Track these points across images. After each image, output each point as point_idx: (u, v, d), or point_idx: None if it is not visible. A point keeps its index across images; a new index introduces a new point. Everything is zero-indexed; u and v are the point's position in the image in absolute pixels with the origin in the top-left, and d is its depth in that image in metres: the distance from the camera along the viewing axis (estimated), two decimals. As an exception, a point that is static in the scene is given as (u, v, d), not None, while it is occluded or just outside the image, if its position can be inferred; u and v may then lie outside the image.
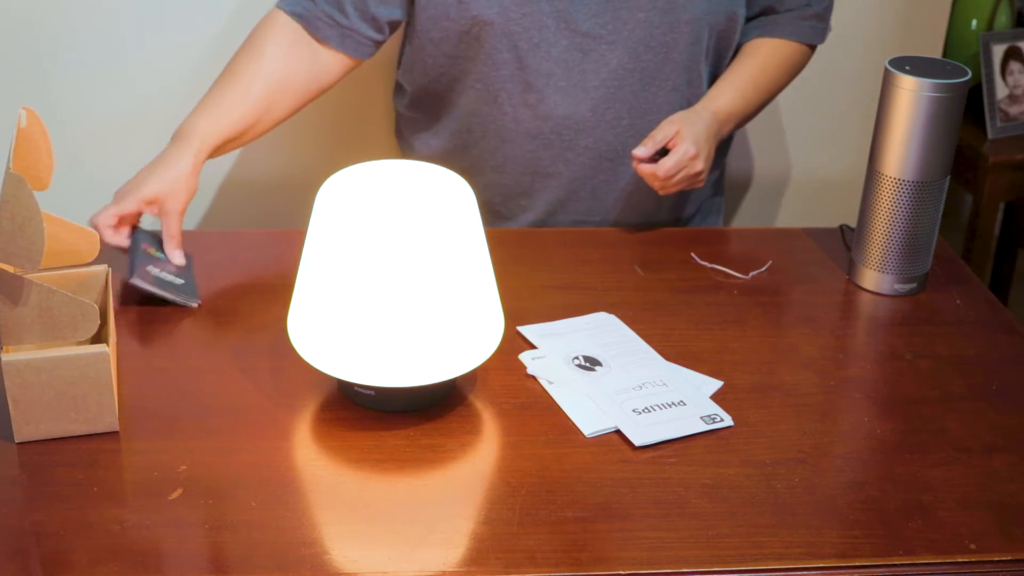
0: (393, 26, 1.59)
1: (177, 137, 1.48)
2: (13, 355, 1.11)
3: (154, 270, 1.39)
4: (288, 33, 1.54)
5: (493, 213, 1.68)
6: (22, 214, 1.06)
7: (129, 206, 1.41)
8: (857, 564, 1.04)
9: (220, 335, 1.32)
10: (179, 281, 1.40)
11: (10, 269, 1.11)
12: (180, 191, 1.43)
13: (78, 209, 1.41)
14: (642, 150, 1.48)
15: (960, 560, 1.05)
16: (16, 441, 1.14)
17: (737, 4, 1.59)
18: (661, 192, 1.51)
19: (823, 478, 1.14)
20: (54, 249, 1.15)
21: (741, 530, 1.07)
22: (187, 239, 1.55)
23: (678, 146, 1.48)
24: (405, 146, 1.78)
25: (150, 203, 1.42)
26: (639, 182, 1.61)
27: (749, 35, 1.65)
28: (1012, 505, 1.12)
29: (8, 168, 1.08)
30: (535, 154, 1.61)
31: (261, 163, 2.01)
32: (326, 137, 2.02)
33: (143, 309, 1.36)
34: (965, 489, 1.13)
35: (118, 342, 1.29)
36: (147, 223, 1.47)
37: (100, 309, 1.18)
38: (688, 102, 1.60)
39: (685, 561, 1.04)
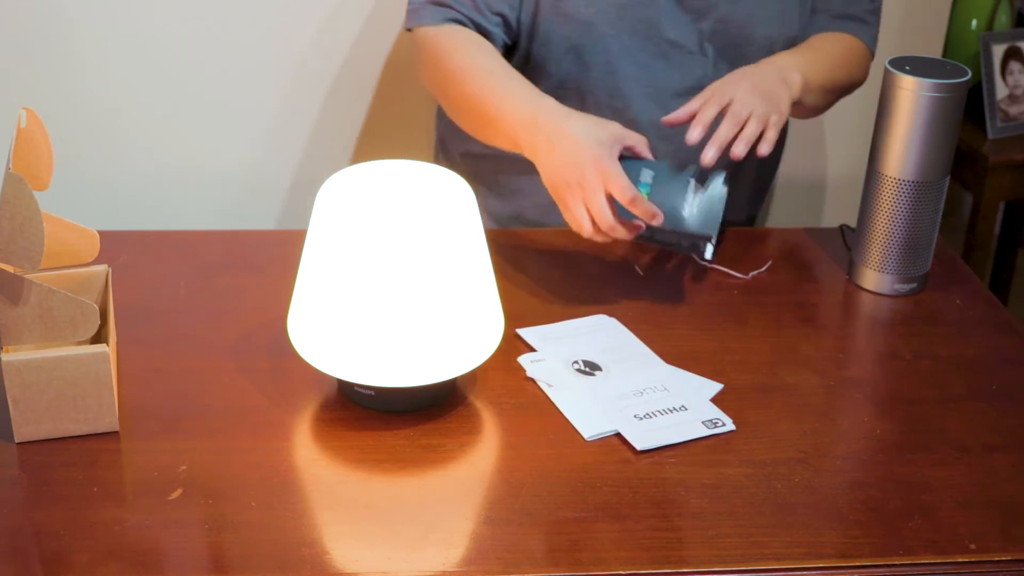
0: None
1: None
2: (13, 355, 1.11)
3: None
4: (455, 32, 1.55)
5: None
6: (22, 214, 1.06)
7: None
8: (857, 564, 1.04)
9: (220, 335, 1.32)
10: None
11: (10, 269, 1.11)
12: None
13: (78, 209, 1.41)
14: (674, 115, 1.44)
15: (960, 560, 1.05)
16: (16, 441, 1.14)
17: (804, 23, 1.59)
18: (733, 157, 1.41)
19: (823, 478, 1.14)
20: (54, 249, 1.15)
21: (741, 530, 1.07)
22: (187, 239, 1.55)
23: (704, 109, 1.42)
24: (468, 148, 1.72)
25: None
26: None
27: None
28: (1012, 505, 1.12)
29: (8, 168, 1.08)
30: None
31: (262, 163, 2.01)
32: (328, 137, 2.02)
33: (143, 309, 1.36)
34: (965, 489, 1.13)
35: (118, 342, 1.29)
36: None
37: (100, 309, 1.18)
38: None
39: (685, 561, 1.04)
